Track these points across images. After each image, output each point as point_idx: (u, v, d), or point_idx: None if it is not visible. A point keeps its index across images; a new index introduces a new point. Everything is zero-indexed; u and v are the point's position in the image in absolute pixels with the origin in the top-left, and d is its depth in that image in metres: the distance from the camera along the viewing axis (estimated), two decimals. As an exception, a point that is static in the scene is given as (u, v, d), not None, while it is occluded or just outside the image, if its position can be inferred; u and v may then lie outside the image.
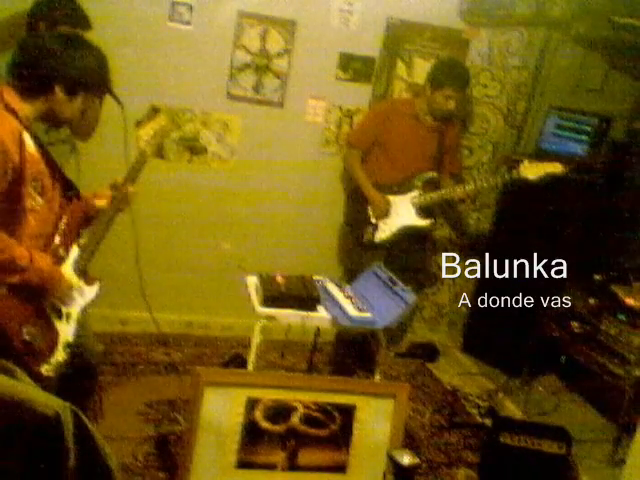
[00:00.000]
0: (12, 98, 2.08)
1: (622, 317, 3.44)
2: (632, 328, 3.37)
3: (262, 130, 3.96)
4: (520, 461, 2.93)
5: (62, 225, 2.23)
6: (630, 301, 3.45)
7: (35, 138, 2.11)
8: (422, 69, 4.00)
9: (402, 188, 3.79)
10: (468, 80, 3.78)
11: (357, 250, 3.88)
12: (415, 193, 3.77)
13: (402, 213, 3.77)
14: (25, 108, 2.10)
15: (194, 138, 3.83)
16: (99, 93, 2.27)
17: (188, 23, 3.70)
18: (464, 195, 3.79)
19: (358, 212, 3.84)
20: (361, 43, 3.97)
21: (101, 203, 2.37)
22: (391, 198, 3.77)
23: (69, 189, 2.29)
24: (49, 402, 1.55)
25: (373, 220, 3.78)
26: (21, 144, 2.03)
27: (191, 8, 3.68)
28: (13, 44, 3.19)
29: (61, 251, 2.22)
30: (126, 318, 3.84)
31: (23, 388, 1.61)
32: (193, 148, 3.86)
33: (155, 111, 2.69)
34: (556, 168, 3.52)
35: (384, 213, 3.76)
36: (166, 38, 3.67)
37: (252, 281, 3.03)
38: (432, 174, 3.80)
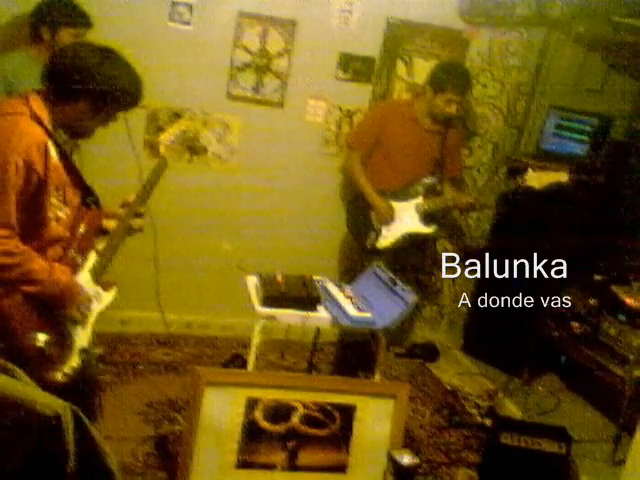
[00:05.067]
0: (38, 106, 2.08)
1: (622, 317, 3.44)
2: (632, 328, 3.37)
3: (262, 130, 3.96)
4: (520, 461, 2.93)
5: (80, 232, 2.23)
6: (630, 301, 3.45)
7: (58, 146, 2.11)
8: (422, 69, 4.00)
9: (405, 194, 3.75)
10: (470, 83, 3.77)
11: (359, 254, 3.85)
12: (419, 199, 3.73)
13: (406, 219, 3.73)
14: (50, 115, 2.10)
15: (194, 138, 3.83)
16: (125, 110, 2.22)
17: (188, 23, 3.70)
18: (470, 204, 3.80)
19: (361, 218, 3.80)
20: (361, 43, 3.97)
21: (109, 224, 2.33)
22: (394, 204, 3.74)
23: (88, 195, 2.28)
24: (49, 402, 1.54)
25: (376, 226, 3.74)
26: (46, 155, 2.04)
27: (191, 8, 3.68)
28: (15, 46, 3.22)
29: (78, 258, 2.22)
30: (126, 318, 3.84)
31: (23, 388, 1.61)
32: (193, 148, 3.86)
33: (177, 116, 2.67)
34: (562, 177, 3.50)
35: (388, 220, 3.72)
36: (166, 38, 3.67)
37: (252, 281, 3.03)
38: (433, 179, 3.77)
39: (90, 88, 2.09)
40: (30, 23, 3.11)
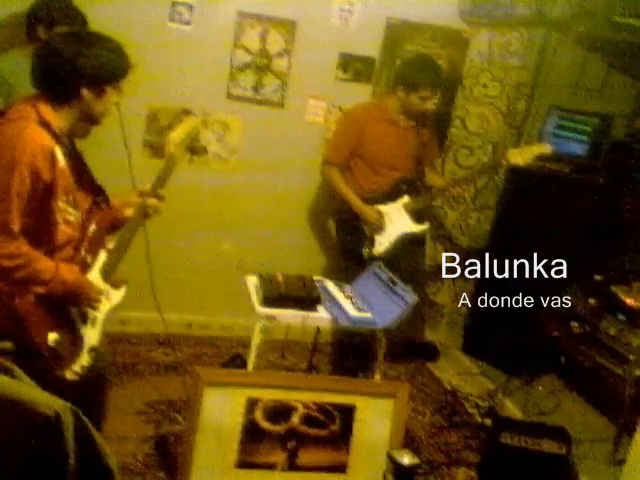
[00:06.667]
0: (46, 111, 2.09)
1: (622, 317, 3.44)
2: (632, 328, 3.37)
3: (262, 130, 3.96)
4: (520, 461, 2.93)
5: (90, 232, 2.25)
6: (630, 301, 3.45)
7: (65, 150, 2.12)
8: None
9: (391, 195, 3.67)
10: (442, 74, 3.64)
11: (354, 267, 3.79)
12: (405, 199, 3.67)
13: (397, 221, 3.66)
14: (58, 118, 2.11)
15: (194, 138, 3.82)
16: (124, 77, 2.24)
17: (188, 23, 3.70)
18: (455, 186, 3.84)
19: (351, 229, 3.71)
20: (361, 43, 3.97)
21: (129, 212, 2.37)
22: (382, 208, 3.66)
23: (98, 195, 2.29)
24: (49, 402, 1.54)
25: (369, 235, 3.65)
26: (53, 160, 2.05)
27: (191, 8, 3.68)
28: (12, 45, 3.22)
29: (89, 258, 2.23)
30: (126, 318, 3.83)
31: (23, 388, 1.61)
32: (193, 148, 3.84)
33: (185, 113, 2.70)
34: (544, 149, 3.50)
35: (380, 227, 3.64)
36: (166, 38, 3.67)
37: (252, 281, 3.04)
38: (417, 175, 3.72)
39: (83, 78, 2.09)
40: (27, 22, 3.11)
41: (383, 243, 3.67)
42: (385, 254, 3.67)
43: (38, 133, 2.04)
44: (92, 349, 2.20)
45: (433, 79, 3.52)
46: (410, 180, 3.72)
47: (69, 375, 2.12)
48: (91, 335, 2.22)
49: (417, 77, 3.51)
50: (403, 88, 3.56)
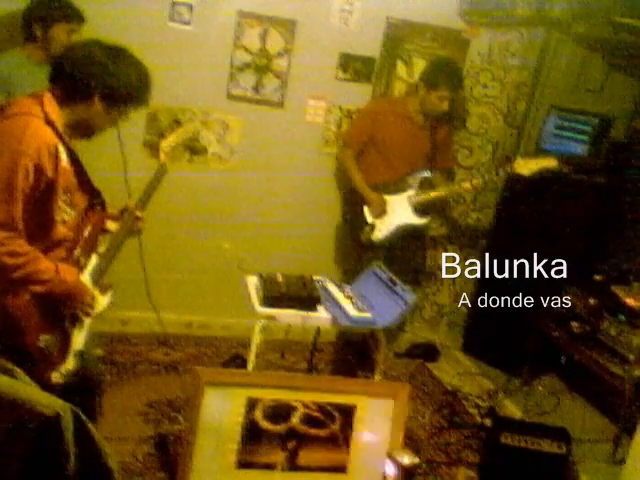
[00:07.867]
0: (52, 108, 2.08)
1: (622, 317, 3.44)
2: (632, 328, 3.37)
3: (262, 130, 3.96)
4: (520, 461, 2.94)
5: (85, 233, 2.24)
6: (630, 301, 3.45)
7: (68, 149, 2.11)
8: (422, 69, 4.00)
9: (398, 187, 3.80)
10: (462, 80, 3.81)
11: (356, 250, 3.89)
12: (411, 192, 3.78)
13: (399, 212, 3.77)
14: (61, 117, 2.10)
15: (194, 138, 3.83)
16: (135, 108, 2.24)
17: (188, 23, 3.70)
18: (460, 193, 3.90)
19: (355, 212, 3.85)
20: (361, 43, 3.97)
21: (111, 226, 2.37)
22: (387, 197, 3.78)
23: (95, 197, 2.29)
24: (49, 402, 1.55)
25: (370, 220, 3.77)
26: (56, 158, 2.04)
27: (191, 8, 3.68)
28: (10, 45, 3.21)
29: (82, 260, 2.23)
30: (126, 318, 3.84)
31: (23, 388, 1.62)
32: (193, 148, 3.86)
33: (177, 123, 2.72)
34: (551, 162, 3.55)
35: (381, 212, 3.76)
36: (166, 38, 3.67)
37: (252, 281, 3.04)
38: (427, 172, 3.82)
39: (103, 86, 2.09)
40: (22, 22, 3.10)
41: (382, 230, 3.76)
42: (383, 241, 3.77)
43: (43, 129, 2.03)
44: (77, 353, 2.19)
45: (452, 80, 3.67)
46: (419, 176, 3.82)
47: (55, 378, 2.11)
48: (78, 338, 2.20)
49: (438, 76, 3.67)
50: (425, 85, 3.72)
